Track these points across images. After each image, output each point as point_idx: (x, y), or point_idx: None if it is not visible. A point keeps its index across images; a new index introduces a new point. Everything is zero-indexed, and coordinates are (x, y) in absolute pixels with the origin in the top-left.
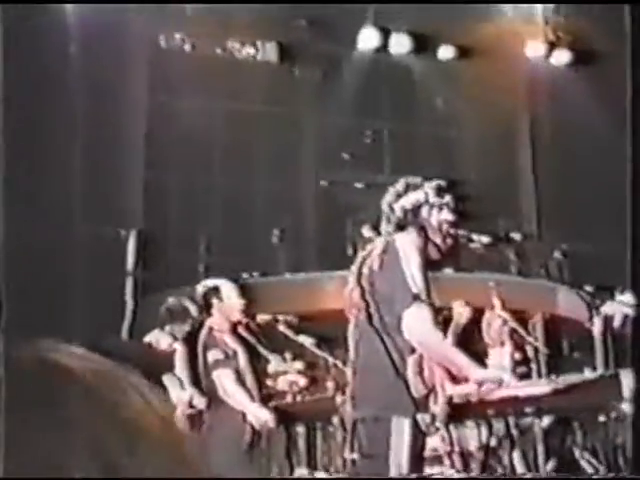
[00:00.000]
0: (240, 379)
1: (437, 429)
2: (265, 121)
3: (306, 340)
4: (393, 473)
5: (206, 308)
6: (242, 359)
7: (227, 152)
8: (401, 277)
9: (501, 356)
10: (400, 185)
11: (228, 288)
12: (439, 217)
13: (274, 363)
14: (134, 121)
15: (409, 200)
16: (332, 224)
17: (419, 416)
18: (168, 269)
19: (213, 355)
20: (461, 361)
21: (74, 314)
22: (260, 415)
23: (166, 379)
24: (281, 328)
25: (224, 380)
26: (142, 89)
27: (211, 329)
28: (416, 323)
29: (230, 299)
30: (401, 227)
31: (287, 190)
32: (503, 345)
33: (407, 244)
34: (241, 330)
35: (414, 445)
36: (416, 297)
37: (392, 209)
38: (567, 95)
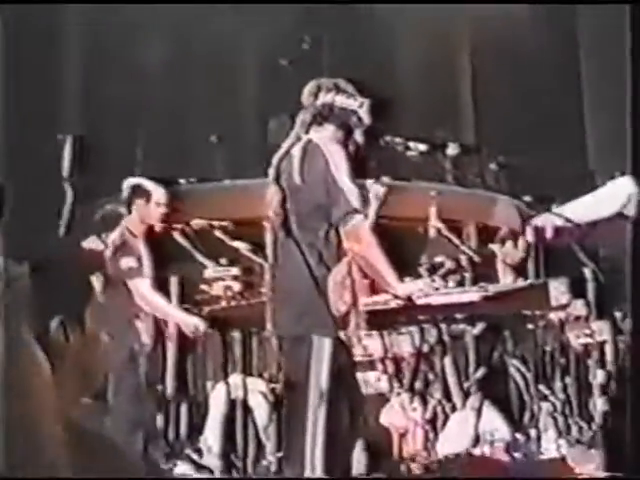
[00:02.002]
0: (158, 286)
1: (360, 338)
2: (204, 23)
3: (242, 245)
4: (312, 389)
5: (128, 209)
6: (147, 267)
7: (165, 55)
8: (333, 189)
9: (445, 266)
10: (328, 81)
11: (152, 187)
12: (359, 134)
13: (210, 269)
14: (74, 26)
15: (340, 100)
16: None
17: (341, 334)
18: (105, 175)
19: (126, 262)
20: (389, 276)
21: (10, 221)
22: (188, 321)
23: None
24: (217, 234)
25: (141, 288)
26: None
27: (127, 231)
28: (355, 235)
29: (154, 199)
30: (320, 119)
31: (225, 95)
32: (444, 254)
33: (334, 150)
34: (177, 235)
35: (335, 362)
36: (355, 210)
37: (316, 97)
38: (510, 11)
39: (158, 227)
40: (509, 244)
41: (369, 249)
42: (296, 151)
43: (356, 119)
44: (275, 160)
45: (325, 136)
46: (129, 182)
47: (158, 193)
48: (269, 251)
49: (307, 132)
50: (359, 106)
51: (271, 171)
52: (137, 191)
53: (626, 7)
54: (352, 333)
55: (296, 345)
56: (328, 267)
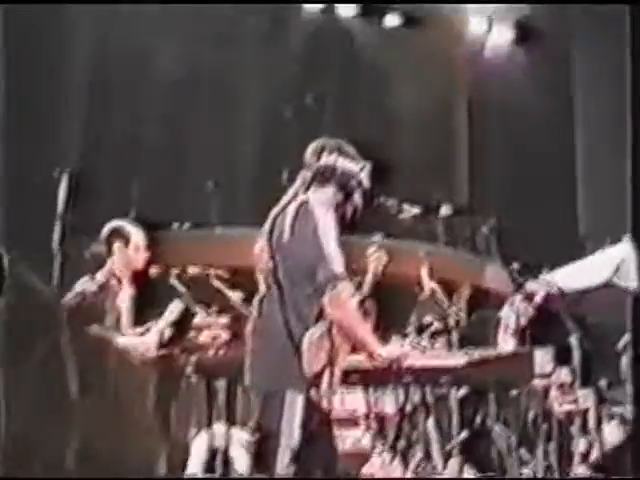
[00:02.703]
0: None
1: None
2: (208, 69)
3: (233, 295)
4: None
5: (108, 251)
6: (126, 312)
7: (165, 98)
8: (319, 253)
9: (434, 327)
10: (332, 142)
11: (131, 231)
12: (357, 197)
13: (199, 317)
14: (77, 65)
15: (341, 163)
16: (266, 180)
17: (312, 392)
18: (99, 214)
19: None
20: (369, 340)
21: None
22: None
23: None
24: (212, 281)
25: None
26: (86, 33)
27: (111, 275)
28: (337, 302)
29: (132, 243)
30: (320, 179)
31: (224, 141)
32: (433, 316)
33: (323, 207)
34: (173, 280)
35: (305, 422)
36: (337, 277)
37: (319, 158)
38: (508, 73)
39: (153, 271)
40: (508, 309)
41: (351, 318)
42: (290, 210)
43: (356, 182)
44: (271, 215)
45: (320, 198)
46: (110, 225)
47: (137, 237)
48: (255, 303)
49: (306, 191)
50: (360, 169)
51: (266, 226)
52: (115, 234)
53: (626, 7)
54: (324, 393)
55: (270, 400)
56: (307, 326)
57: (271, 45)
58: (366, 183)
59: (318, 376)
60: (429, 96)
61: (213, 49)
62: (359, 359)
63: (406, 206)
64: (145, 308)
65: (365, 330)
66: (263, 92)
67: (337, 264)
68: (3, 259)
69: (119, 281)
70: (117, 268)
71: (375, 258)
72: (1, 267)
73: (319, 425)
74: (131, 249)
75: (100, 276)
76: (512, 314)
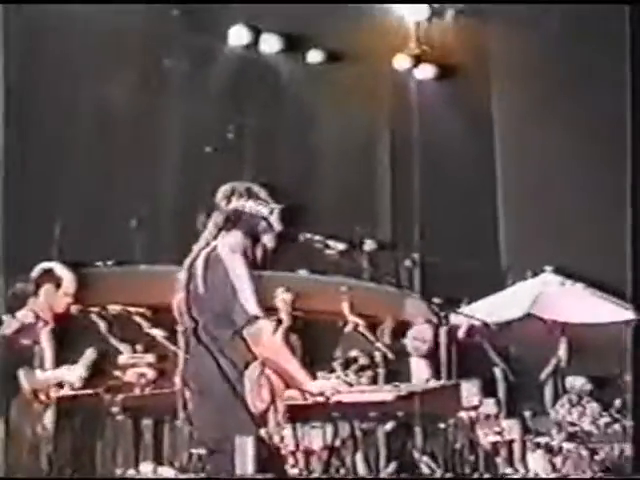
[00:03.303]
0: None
1: (282, 436)
2: (130, 108)
3: (158, 333)
4: (239, 469)
5: (35, 291)
6: (48, 357)
7: (88, 136)
8: (234, 297)
9: (359, 362)
10: (242, 186)
11: (64, 274)
12: (268, 239)
13: (125, 355)
14: None
15: (251, 207)
16: (190, 217)
17: (262, 431)
18: (22, 251)
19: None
20: (297, 374)
21: None
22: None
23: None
24: (135, 319)
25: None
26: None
27: (33, 314)
28: (260, 341)
29: (63, 288)
30: (230, 224)
31: (146, 179)
32: (358, 350)
33: (231, 251)
34: (95, 318)
35: (259, 457)
36: (254, 318)
37: (229, 201)
38: (432, 109)
39: (74, 309)
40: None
41: (278, 353)
42: (199, 261)
43: (266, 224)
44: (186, 266)
45: (229, 243)
46: (41, 266)
47: (68, 282)
48: (181, 353)
49: (217, 236)
50: (269, 212)
51: (182, 275)
52: (47, 275)
53: (626, 7)
54: (273, 430)
55: (220, 445)
56: (240, 370)
57: (194, 81)
58: (276, 225)
59: (263, 415)
60: (352, 131)
61: (135, 86)
62: (292, 394)
63: (331, 242)
64: (67, 345)
65: (293, 365)
66: (185, 128)
67: (252, 305)
68: None
69: (42, 320)
70: (40, 309)
71: (280, 300)
72: None
73: (271, 461)
74: (60, 293)
75: (21, 315)
76: (416, 340)
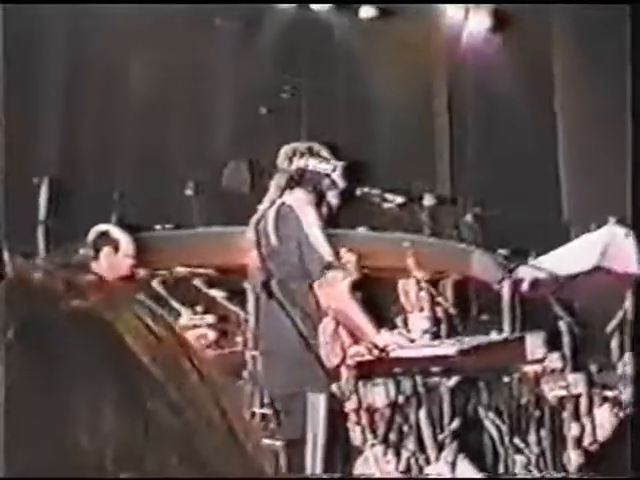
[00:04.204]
0: None
1: (351, 392)
2: (183, 71)
3: (218, 294)
4: (309, 454)
5: (95, 256)
6: None
7: (143, 101)
8: (308, 246)
9: (420, 321)
10: (302, 146)
11: (120, 237)
12: (332, 196)
13: (185, 317)
14: (51, 68)
15: (314, 164)
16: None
17: (334, 386)
18: (80, 219)
19: None
20: (366, 327)
21: None
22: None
23: None
24: (194, 281)
25: None
26: (60, 36)
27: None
28: (332, 290)
29: (122, 250)
30: (294, 183)
31: (202, 142)
32: (422, 306)
33: (306, 210)
34: (154, 283)
35: (331, 417)
36: (328, 265)
37: (290, 162)
38: (487, 60)
39: (141, 273)
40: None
41: (347, 306)
42: (270, 216)
43: (329, 182)
44: (252, 223)
45: (297, 198)
46: (97, 229)
47: (125, 243)
48: (250, 309)
49: (281, 196)
50: (332, 170)
51: (250, 234)
52: (104, 238)
53: (626, 7)
54: (345, 387)
55: (290, 403)
56: (314, 323)
57: (245, 42)
58: (340, 183)
59: (336, 370)
60: (408, 86)
61: (186, 50)
62: (354, 351)
63: (389, 196)
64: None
65: (361, 317)
66: (239, 90)
67: (326, 252)
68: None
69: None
70: (104, 272)
71: (345, 261)
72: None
73: (339, 420)
74: (120, 255)
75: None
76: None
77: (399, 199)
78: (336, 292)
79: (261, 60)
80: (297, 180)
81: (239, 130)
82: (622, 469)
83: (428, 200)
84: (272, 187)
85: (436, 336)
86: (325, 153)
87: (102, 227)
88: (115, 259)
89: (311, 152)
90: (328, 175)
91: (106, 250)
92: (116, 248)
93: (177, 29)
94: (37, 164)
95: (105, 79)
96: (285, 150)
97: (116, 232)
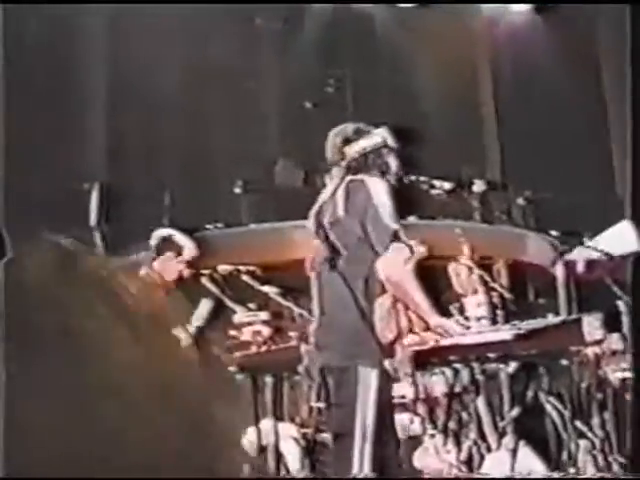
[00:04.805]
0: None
1: (405, 374)
2: (227, 72)
3: (271, 290)
4: (359, 423)
5: (154, 258)
6: None
7: (189, 103)
8: (375, 216)
9: (477, 304)
10: (349, 129)
11: (184, 242)
12: (395, 161)
13: (239, 314)
14: (95, 75)
15: (368, 143)
16: (293, 174)
17: (386, 363)
18: (132, 222)
19: None
20: (424, 305)
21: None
22: None
23: None
24: (245, 278)
25: None
26: (103, 42)
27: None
28: (395, 262)
29: (185, 255)
30: (356, 170)
31: (250, 141)
32: (476, 293)
33: (377, 184)
34: (205, 281)
35: (381, 394)
36: (395, 235)
37: (342, 154)
38: (530, 42)
39: (186, 273)
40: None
41: (408, 280)
42: (340, 191)
43: (386, 150)
44: (316, 205)
45: (365, 175)
46: (160, 233)
47: (188, 249)
48: (313, 288)
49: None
50: (382, 138)
51: (312, 213)
52: (167, 243)
53: (626, 7)
54: (399, 364)
55: (343, 376)
56: (372, 296)
57: (288, 38)
58: (392, 143)
59: (391, 346)
60: (452, 74)
61: (230, 48)
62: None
63: (437, 182)
64: (180, 308)
65: (421, 296)
66: (284, 86)
67: (393, 221)
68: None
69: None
70: (155, 274)
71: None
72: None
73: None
74: (179, 259)
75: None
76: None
77: (447, 185)
78: (399, 266)
79: (304, 55)
80: (358, 167)
81: (285, 126)
82: None
83: (478, 186)
84: (333, 178)
85: (493, 321)
86: (369, 128)
87: (165, 231)
88: (169, 264)
89: (359, 134)
90: (382, 147)
91: (168, 255)
92: (178, 253)
93: (220, 26)
94: (87, 170)
95: (150, 81)
96: (331, 143)
97: (181, 238)
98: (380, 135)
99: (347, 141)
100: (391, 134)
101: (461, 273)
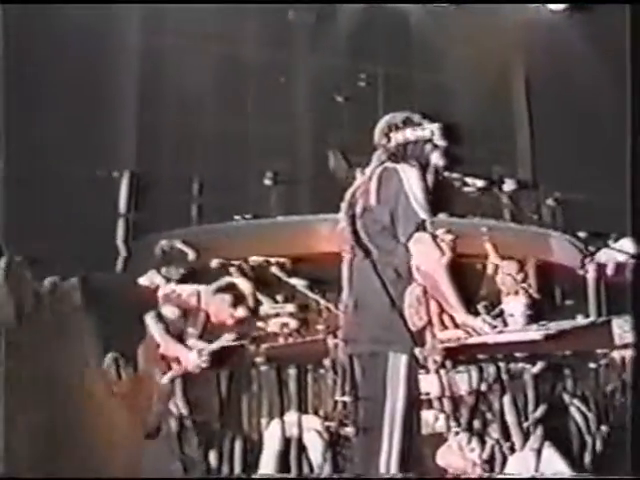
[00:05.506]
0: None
1: (435, 362)
2: (259, 63)
3: (298, 282)
4: (387, 415)
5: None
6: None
7: (221, 94)
8: (405, 203)
9: (506, 304)
10: (398, 117)
11: (245, 286)
12: (436, 157)
13: (266, 305)
14: (127, 63)
15: (413, 134)
16: (326, 167)
17: (417, 350)
18: (161, 211)
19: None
20: (453, 300)
21: (70, 254)
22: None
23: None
24: (273, 270)
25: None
26: (135, 31)
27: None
28: (428, 253)
29: (244, 301)
30: (395, 158)
31: (280, 132)
32: (504, 292)
33: (411, 173)
34: (234, 272)
35: (410, 383)
36: (423, 224)
37: (389, 138)
38: (564, 41)
39: (214, 263)
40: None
41: (439, 274)
42: (374, 178)
43: (431, 146)
44: (349, 194)
45: (402, 164)
46: (226, 280)
47: (248, 295)
48: (344, 277)
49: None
50: (431, 134)
51: (344, 203)
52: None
53: (626, 7)
54: (429, 351)
55: (372, 362)
56: (403, 285)
57: (320, 32)
58: (441, 142)
59: (421, 333)
60: (485, 71)
61: (262, 42)
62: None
63: (469, 179)
64: None
65: (451, 291)
66: (315, 80)
67: (424, 209)
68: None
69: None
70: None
71: (440, 241)
72: None
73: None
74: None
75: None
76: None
77: (479, 183)
78: (432, 257)
79: (336, 50)
80: (400, 155)
81: (317, 119)
82: None
83: (509, 185)
84: (373, 162)
85: (522, 321)
86: (418, 119)
87: (231, 279)
88: (226, 308)
89: (406, 123)
90: (428, 140)
91: (227, 298)
92: (237, 301)
93: (252, 21)
94: (117, 158)
95: (182, 74)
96: (380, 127)
97: (245, 286)
98: (429, 130)
99: (396, 128)
100: (442, 132)
101: (490, 272)
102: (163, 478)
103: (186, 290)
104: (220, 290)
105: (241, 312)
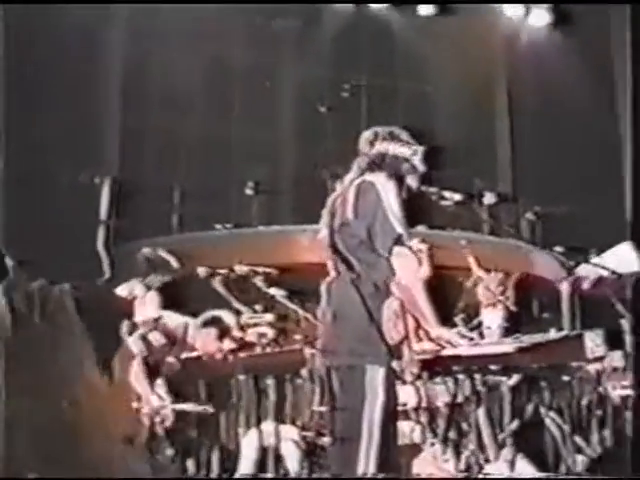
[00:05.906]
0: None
1: (412, 375)
2: (243, 72)
3: (278, 292)
4: (365, 426)
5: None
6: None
7: (204, 102)
8: (382, 218)
9: (493, 317)
10: (386, 129)
11: (229, 319)
12: (412, 179)
13: (245, 315)
14: (111, 70)
15: (394, 149)
16: (307, 177)
17: (394, 363)
18: (142, 218)
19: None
20: (428, 314)
21: (55, 259)
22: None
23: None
24: (254, 280)
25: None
26: (120, 37)
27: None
28: (406, 267)
29: (229, 335)
30: (375, 167)
31: (263, 142)
32: (482, 305)
33: (387, 185)
34: (215, 282)
35: (388, 394)
36: (399, 238)
37: (372, 146)
38: (546, 56)
39: (201, 272)
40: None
41: (417, 288)
42: (351, 191)
43: (409, 166)
44: (330, 201)
45: (379, 176)
46: (212, 313)
47: (235, 330)
48: (323, 290)
49: (361, 176)
50: (412, 154)
51: (325, 212)
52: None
53: (626, 7)
54: (406, 364)
55: (349, 374)
56: (381, 299)
57: (304, 41)
58: (420, 167)
59: (398, 347)
60: (467, 84)
61: (247, 50)
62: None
63: (447, 193)
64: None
65: (427, 305)
66: (298, 89)
67: (399, 225)
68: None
69: None
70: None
71: (417, 251)
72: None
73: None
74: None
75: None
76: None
77: (457, 197)
78: (410, 272)
79: (321, 59)
80: (378, 164)
81: (300, 129)
82: None
83: (488, 198)
84: (353, 169)
85: (498, 334)
86: (405, 137)
87: (217, 312)
88: (213, 342)
89: (392, 136)
90: (407, 160)
91: (213, 332)
92: (222, 334)
93: (237, 27)
94: (99, 164)
95: (164, 79)
96: (366, 135)
97: (230, 319)
98: (411, 150)
99: (383, 139)
100: (423, 159)
101: (468, 285)
102: (161, 478)
103: (173, 320)
104: (206, 324)
105: (227, 344)
